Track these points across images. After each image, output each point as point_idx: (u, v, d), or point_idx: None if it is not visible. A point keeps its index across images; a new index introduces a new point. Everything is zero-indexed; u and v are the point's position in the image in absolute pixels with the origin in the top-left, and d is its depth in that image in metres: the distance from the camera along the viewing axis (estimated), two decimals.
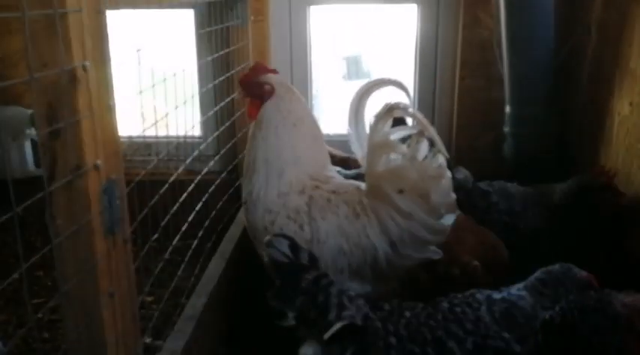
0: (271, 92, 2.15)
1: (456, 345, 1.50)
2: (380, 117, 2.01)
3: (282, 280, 1.60)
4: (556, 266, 1.69)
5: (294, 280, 1.59)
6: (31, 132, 3.26)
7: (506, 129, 3.13)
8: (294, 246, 1.64)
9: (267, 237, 1.68)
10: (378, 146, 1.99)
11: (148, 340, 2.02)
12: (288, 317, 1.59)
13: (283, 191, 2.09)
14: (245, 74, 2.24)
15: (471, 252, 2.29)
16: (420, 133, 1.95)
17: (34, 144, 3.26)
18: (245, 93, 2.22)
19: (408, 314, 1.60)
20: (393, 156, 1.97)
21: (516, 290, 1.67)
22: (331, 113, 3.87)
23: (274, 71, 2.22)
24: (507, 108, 3.10)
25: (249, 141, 2.22)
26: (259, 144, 2.15)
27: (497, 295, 1.65)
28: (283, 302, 1.60)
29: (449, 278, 2.16)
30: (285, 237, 1.65)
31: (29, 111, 3.23)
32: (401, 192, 1.94)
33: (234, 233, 2.75)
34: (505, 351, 1.50)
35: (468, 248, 2.31)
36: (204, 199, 2.53)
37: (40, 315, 2.46)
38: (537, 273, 1.70)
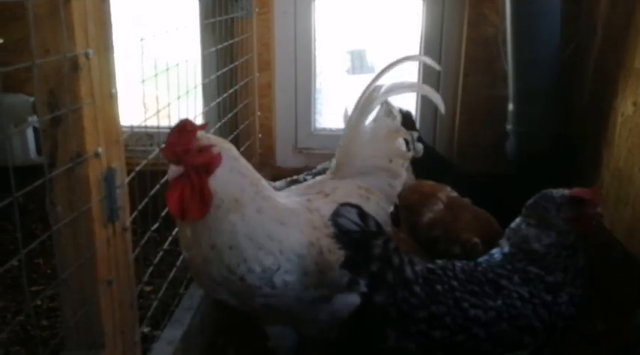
0: (220, 155, 1.62)
1: (507, 282, 1.69)
2: (368, 103, 2.05)
3: (353, 249, 1.62)
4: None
5: (365, 248, 1.62)
6: (34, 119, 3.26)
7: (509, 127, 3.12)
8: (362, 214, 1.64)
9: (335, 207, 1.65)
10: (362, 131, 2.09)
11: (146, 329, 2.02)
12: (360, 284, 1.61)
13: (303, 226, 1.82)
14: (176, 142, 1.58)
15: (469, 229, 2.30)
16: (388, 105, 2.14)
17: (37, 132, 3.26)
18: (189, 167, 1.58)
19: (459, 264, 1.75)
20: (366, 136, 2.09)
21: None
22: (334, 107, 3.86)
23: (203, 126, 1.66)
24: (510, 106, 3.09)
25: (219, 228, 1.63)
26: (258, 221, 1.68)
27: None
28: (355, 271, 1.62)
29: (449, 257, 2.18)
30: (352, 205, 1.66)
31: (31, 99, 3.23)
32: (391, 161, 2.11)
33: None
34: (551, 283, 1.69)
35: (465, 225, 2.33)
36: None
37: (39, 302, 2.47)
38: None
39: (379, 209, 2.04)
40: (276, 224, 1.73)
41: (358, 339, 1.93)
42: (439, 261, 1.77)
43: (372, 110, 2.08)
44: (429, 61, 2.21)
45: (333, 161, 2.15)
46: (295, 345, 2.00)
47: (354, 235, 1.61)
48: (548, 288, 1.67)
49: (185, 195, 1.59)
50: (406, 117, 3.18)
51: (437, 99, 2.15)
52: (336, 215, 1.63)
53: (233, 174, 1.65)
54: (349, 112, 2.12)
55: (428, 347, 1.63)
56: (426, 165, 2.71)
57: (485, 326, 1.62)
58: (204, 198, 1.60)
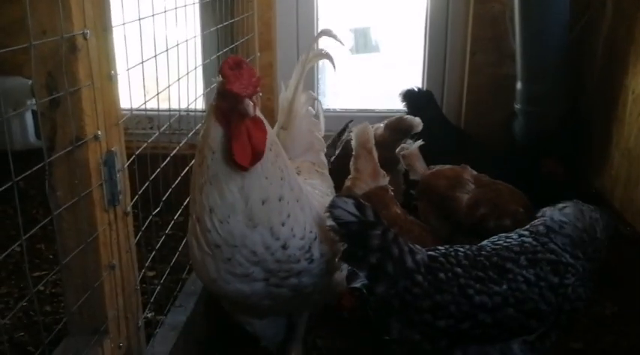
0: None
1: (513, 264, 1.64)
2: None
3: (351, 241, 1.57)
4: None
5: (364, 239, 1.57)
6: (32, 103, 3.22)
7: (517, 106, 3.07)
8: (359, 204, 1.59)
9: (331, 199, 1.61)
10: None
11: (149, 314, 2.01)
12: (360, 276, 1.57)
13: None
14: (248, 75, 1.49)
15: (512, 200, 2.33)
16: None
17: (35, 116, 3.23)
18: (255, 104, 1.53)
19: (461, 250, 1.70)
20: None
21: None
22: (338, 88, 3.81)
23: None
24: (518, 85, 3.04)
25: (272, 175, 1.57)
26: (292, 169, 1.70)
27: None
28: (355, 264, 1.58)
29: (499, 231, 2.16)
30: (348, 196, 1.62)
31: (30, 82, 3.18)
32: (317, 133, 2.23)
33: None
34: (557, 262, 1.66)
35: (508, 197, 2.34)
36: None
37: (41, 288, 2.45)
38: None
39: (330, 183, 2.12)
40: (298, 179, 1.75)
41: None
42: (441, 248, 1.72)
43: (301, 83, 2.09)
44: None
45: None
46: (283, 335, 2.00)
47: (352, 227, 1.56)
48: (556, 270, 1.64)
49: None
50: (425, 96, 3.17)
51: (330, 59, 2.17)
52: (332, 206, 1.57)
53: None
54: (285, 93, 2.12)
55: (433, 336, 1.60)
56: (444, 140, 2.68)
57: (492, 311, 1.59)
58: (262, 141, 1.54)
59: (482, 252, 1.69)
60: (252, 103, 1.48)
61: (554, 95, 2.96)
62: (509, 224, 2.22)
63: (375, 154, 2.36)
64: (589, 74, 3.07)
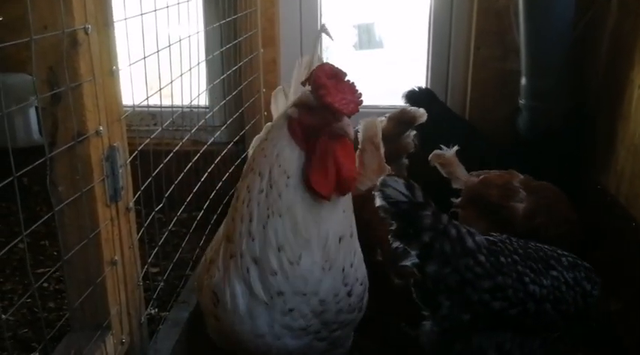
0: None
1: (555, 262, 1.70)
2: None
3: (401, 219, 1.59)
4: None
5: (415, 218, 1.58)
6: (35, 99, 3.22)
7: (522, 101, 3.04)
8: (409, 184, 1.60)
9: (381, 177, 1.60)
10: None
11: (152, 311, 2.01)
12: (411, 254, 1.59)
13: None
14: (351, 90, 1.30)
15: (566, 208, 2.29)
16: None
17: (39, 112, 3.22)
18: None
19: (514, 239, 1.75)
20: None
21: None
22: None
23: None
24: (523, 80, 3.02)
25: (347, 206, 1.45)
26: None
27: None
28: (406, 242, 1.60)
29: (554, 238, 2.12)
30: (399, 175, 1.63)
31: (33, 78, 3.17)
32: None
33: None
34: (591, 269, 1.74)
35: (560, 205, 2.29)
36: (209, 170, 2.48)
37: (45, 285, 2.45)
38: None
39: None
40: None
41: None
42: (495, 234, 1.76)
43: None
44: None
45: None
46: None
47: (402, 206, 1.57)
48: (589, 278, 1.70)
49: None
50: (426, 94, 3.14)
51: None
52: (383, 185, 1.59)
53: None
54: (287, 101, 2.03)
55: (477, 317, 1.62)
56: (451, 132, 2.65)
57: (537, 303, 1.63)
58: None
59: (529, 245, 1.74)
60: (350, 123, 1.27)
61: (558, 90, 2.94)
62: (564, 232, 2.17)
63: (382, 149, 2.32)
64: (594, 70, 3.04)
